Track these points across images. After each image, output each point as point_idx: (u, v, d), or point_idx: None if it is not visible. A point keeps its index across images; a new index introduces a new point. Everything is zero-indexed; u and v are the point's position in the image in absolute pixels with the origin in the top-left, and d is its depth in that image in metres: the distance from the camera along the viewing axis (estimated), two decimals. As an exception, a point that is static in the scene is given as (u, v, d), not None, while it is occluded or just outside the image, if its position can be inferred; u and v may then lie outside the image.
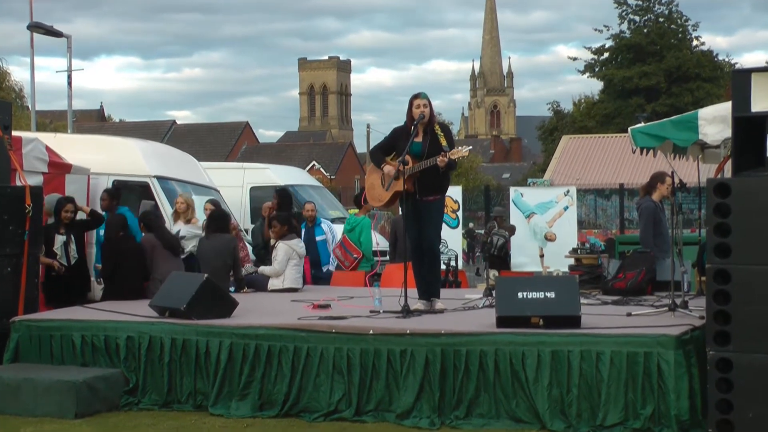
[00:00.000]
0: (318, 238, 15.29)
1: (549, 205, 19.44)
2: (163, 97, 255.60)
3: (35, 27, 24.83)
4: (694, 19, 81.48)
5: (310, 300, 10.79)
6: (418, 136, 9.72)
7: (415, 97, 9.73)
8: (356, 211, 15.72)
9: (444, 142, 9.57)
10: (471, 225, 40.30)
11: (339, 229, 16.90)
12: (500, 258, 16.81)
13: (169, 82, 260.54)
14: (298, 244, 12.72)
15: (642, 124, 11.21)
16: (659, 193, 11.96)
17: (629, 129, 11.05)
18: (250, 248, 14.27)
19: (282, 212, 13.75)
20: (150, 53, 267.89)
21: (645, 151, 11.26)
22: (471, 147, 9.75)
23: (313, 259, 14.79)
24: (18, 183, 10.92)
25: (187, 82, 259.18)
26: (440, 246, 10.24)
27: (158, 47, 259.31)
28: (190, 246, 12.77)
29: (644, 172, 40.12)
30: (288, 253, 12.54)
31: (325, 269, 15.22)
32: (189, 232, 13.02)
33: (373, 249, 15.71)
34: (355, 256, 14.96)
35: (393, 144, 9.88)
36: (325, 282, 14.79)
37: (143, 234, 12.02)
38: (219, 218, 12.48)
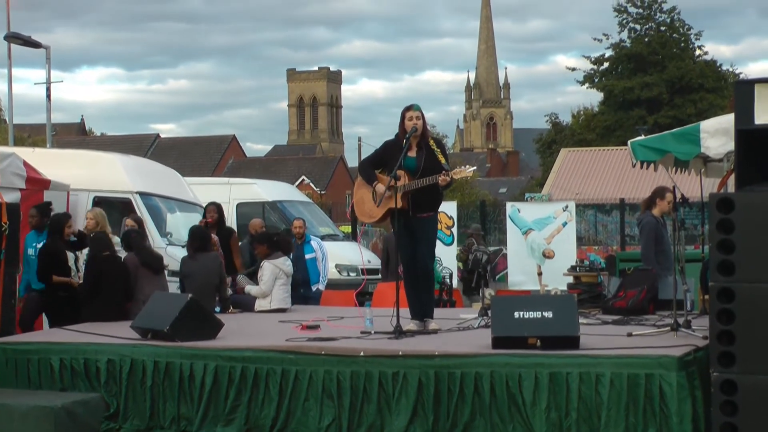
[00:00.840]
0: (307, 256, 15.29)
1: (547, 220, 19.49)
2: (147, 110, 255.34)
3: (13, 37, 24.87)
4: (696, 27, 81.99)
5: (298, 320, 10.77)
6: (412, 150, 9.73)
7: (408, 109, 9.75)
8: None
9: (442, 159, 9.58)
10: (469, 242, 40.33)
11: (329, 247, 16.90)
12: (482, 275, 16.86)
13: (153, 94, 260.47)
14: (285, 263, 12.72)
15: (642, 137, 11.25)
16: (660, 208, 11.97)
17: (629, 142, 11.09)
18: None
19: (264, 231, 13.77)
20: (133, 64, 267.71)
21: (645, 164, 11.28)
22: (475, 167, 9.77)
23: (302, 277, 14.79)
24: (-6, 200, 10.91)
25: (171, 94, 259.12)
26: (434, 264, 10.23)
27: (142, 58, 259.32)
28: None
29: (646, 186, 40.16)
30: (274, 272, 12.54)
31: (314, 288, 15.22)
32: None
33: (364, 267, 15.76)
34: None
35: (384, 158, 9.89)
36: (314, 302, 14.79)
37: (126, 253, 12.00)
38: (202, 236, 12.48)
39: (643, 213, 12.15)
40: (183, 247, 13.29)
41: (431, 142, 9.72)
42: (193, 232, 12.59)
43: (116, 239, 12.55)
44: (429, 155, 9.63)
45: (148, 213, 15.16)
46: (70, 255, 12.03)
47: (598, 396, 7.76)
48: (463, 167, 9.51)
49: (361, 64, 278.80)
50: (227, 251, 13.01)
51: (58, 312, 11.62)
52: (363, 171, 10.07)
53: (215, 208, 13.38)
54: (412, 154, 9.71)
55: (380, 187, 9.71)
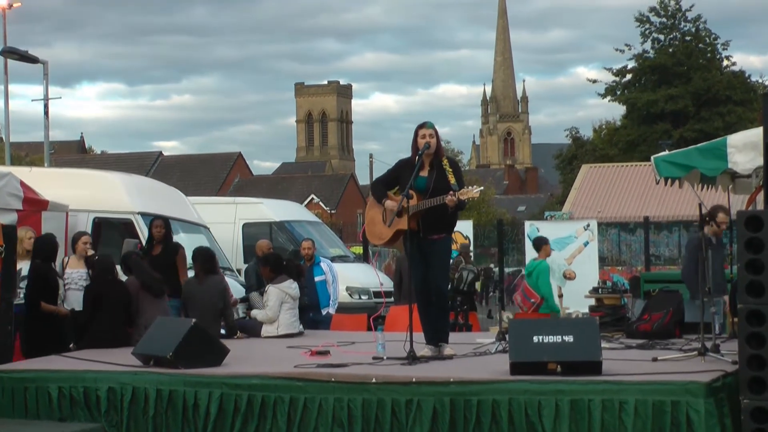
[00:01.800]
0: (317, 279, 15.30)
1: (568, 240, 19.50)
2: (149, 127, 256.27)
3: (9, 52, 25.03)
4: (723, 36, 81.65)
5: (307, 346, 10.78)
6: (424, 170, 9.76)
7: (420, 127, 9.81)
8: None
9: (452, 179, 9.60)
10: (492, 266, 40.30)
11: (340, 268, 16.90)
12: (468, 294, 16.87)
13: (156, 110, 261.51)
14: (291, 286, 12.73)
15: (666, 152, 11.24)
16: (712, 228, 11.88)
17: (652, 158, 11.08)
18: (240, 291, 14.26)
19: (271, 252, 13.77)
20: (135, 79, 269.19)
21: (670, 181, 11.27)
22: (482, 188, 9.82)
23: (311, 301, 14.80)
24: (-10, 222, 10.94)
25: (175, 109, 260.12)
26: (449, 286, 10.25)
27: (144, 72, 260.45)
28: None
29: (672, 203, 40.19)
30: (280, 297, 12.55)
31: (324, 312, 15.23)
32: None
33: (377, 289, 15.76)
34: (532, 300, 14.96)
35: (396, 177, 9.92)
36: (324, 326, 14.79)
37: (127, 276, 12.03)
38: (208, 258, 12.50)
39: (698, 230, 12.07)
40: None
41: (444, 161, 9.75)
42: (199, 253, 12.60)
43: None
44: (440, 175, 9.66)
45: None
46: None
47: (621, 424, 7.74)
48: (470, 187, 9.52)
49: (372, 78, 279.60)
50: (173, 269, 12.95)
51: (35, 339, 11.60)
52: (374, 191, 10.11)
53: (162, 223, 13.31)
54: (424, 173, 9.75)
55: (390, 203, 9.73)
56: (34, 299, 11.70)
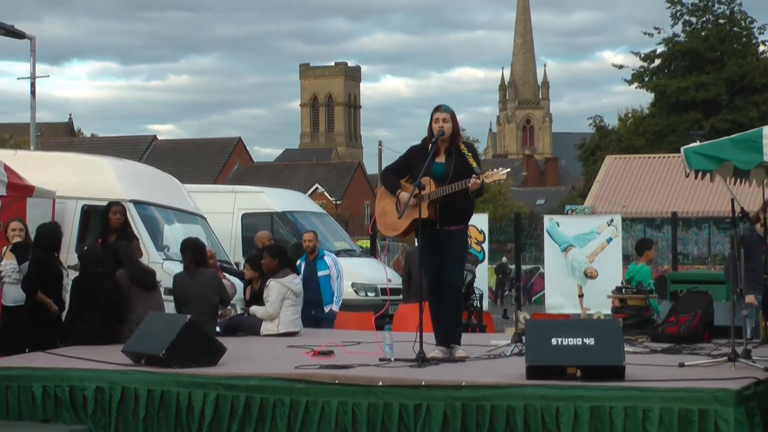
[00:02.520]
0: (320, 273, 15.32)
1: (590, 236, 19.46)
2: (144, 109, 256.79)
3: (-6, 27, 25.04)
4: (760, 20, 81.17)
5: (309, 345, 10.79)
6: (440, 156, 9.74)
7: (436, 110, 9.80)
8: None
9: (473, 163, 9.60)
10: (504, 260, 40.35)
11: (345, 263, 16.91)
12: (466, 296, 16.82)
13: (151, 91, 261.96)
14: (293, 281, 12.73)
15: (697, 144, 11.21)
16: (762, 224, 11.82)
17: (682, 149, 11.05)
18: (239, 286, 14.26)
19: (272, 244, 13.77)
20: (129, 58, 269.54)
21: (701, 174, 11.25)
22: (509, 170, 9.78)
23: (313, 297, 14.82)
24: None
25: (171, 91, 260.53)
26: (463, 283, 10.24)
27: (139, 51, 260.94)
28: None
29: (700, 198, 40.16)
30: (282, 292, 12.56)
31: (327, 309, 15.25)
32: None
33: (385, 286, 15.76)
34: None
35: (408, 164, 9.91)
36: (327, 324, 14.81)
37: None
38: (199, 248, 12.49)
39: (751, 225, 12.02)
40: (182, 262, 13.33)
41: (462, 146, 9.74)
42: (189, 244, 12.57)
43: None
44: (459, 160, 9.65)
45: (143, 224, 15.20)
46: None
47: (645, 434, 7.74)
48: (495, 170, 9.51)
49: (383, 60, 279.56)
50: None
51: (35, 333, 11.68)
52: (385, 179, 10.10)
53: (121, 209, 13.20)
54: (440, 159, 9.73)
55: (404, 195, 9.73)
56: (32, 291, 11.74)
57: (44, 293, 11.74)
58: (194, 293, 12.07)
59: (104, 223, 13.32)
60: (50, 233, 12.17)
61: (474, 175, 9.44)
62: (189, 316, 9.80)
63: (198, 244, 12.69)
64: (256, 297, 13.30)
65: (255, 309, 12.78)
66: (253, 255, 14.29)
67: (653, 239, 16.01)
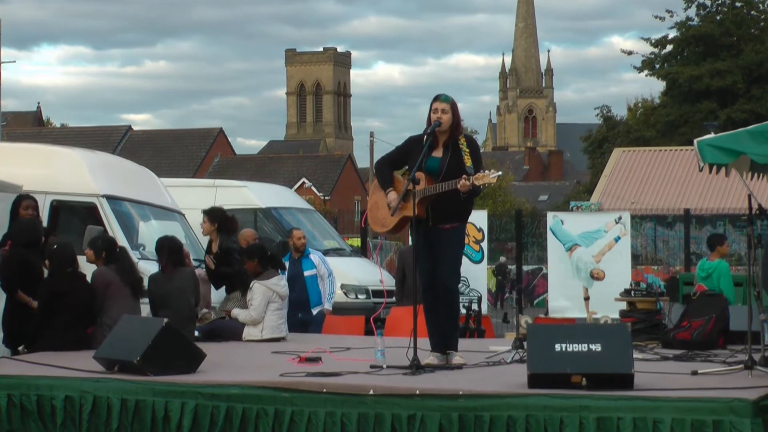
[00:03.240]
0: (306, 273, 15.32)
1: (596, 234, 19.45)
2: (118, 97, 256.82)
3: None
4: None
5: (295, 351, 10.79)
6: (437, 149, 9.75)
7: (434, 99, 9.81)
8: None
9: (468, 162, 9.59)
10: (503, 259, 40.36)
11: (334, 263, 16.90)
12: (466, 317, 16.80)
13: (126, 77, 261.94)
14: (279, 283, 12.73)
15: (712, 135, 11.20)
16: None
17: (696, 141, 11.05)
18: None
19: (255, 243, 13.78)
20: (103, 42, 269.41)
21: (715, 168, 11.25)
22: (500, 173, 9.77)
23: (300, 298, 14.82)
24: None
25: (147, 78, 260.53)
26: (459, 285, 10.24)
27: (114, 35, 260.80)
28: None
29: (715, 194, 40.22)
30: (266, 295, 12.55)
31: (315, 311, 15.24)
32: None
33: (377, 288, 15.75)
34: None
35: (405, 156, 9.93)
36: (315, 328, 14.81)
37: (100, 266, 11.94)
38: (176, 248, 12.49)
39: None
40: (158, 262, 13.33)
41: (462, 140, 9.73)
42: (165, 243, 12.57)
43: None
44: (455, 156, 9.65)
45: (117, 221, 15.19)
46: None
47: (655, 447, 7.74)
48: (486, 171, 9.49)
49: (376, 45, 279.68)
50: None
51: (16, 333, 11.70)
52: (379, 172, 10.10)
53: (33, 203, 13.13)
54: (438, 153, 9.73)
55: (392, 195, 9.74)
56: (12, 289, 11.73)
57: (25, 292, 11.73)
58: (172, 295, 12.05)
59: (11, 218, 13.01)
60: (29, 228, 12.16)
61: (464, 176, 9.42)
62: (166, 320, 9.78)
63: (175, 242, 12.68)
64: (219, 260, 13.48)
65: (237, 312, 12.77)
66: (213, 207, 14.41)
67: (724, 234, 16.02)
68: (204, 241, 18.07)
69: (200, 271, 13.77)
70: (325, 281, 15.43)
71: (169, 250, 12.40)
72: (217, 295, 14.36)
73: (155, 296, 12.20)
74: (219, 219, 14.23)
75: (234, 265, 13.64)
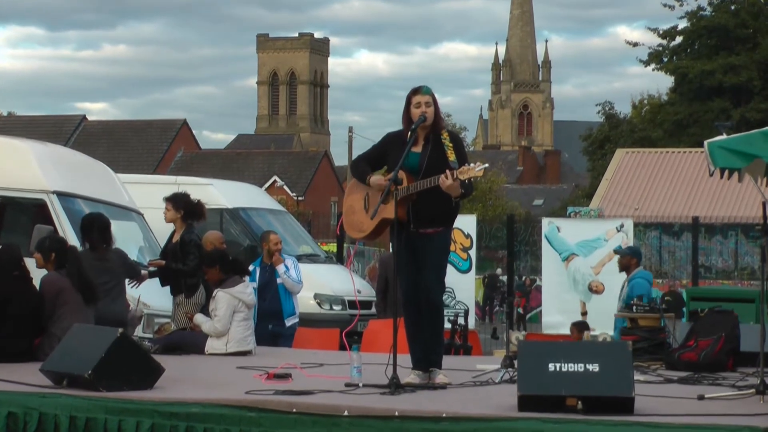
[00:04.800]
0: (279, 281, 15.28)
1: (596, 243, 19.53)
2: (72, 84, 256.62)
3: None
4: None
5: (263, 367, 10.78)
6: (417, 145, 9.75)
7: (414, 92, 9.79)
8: None
9: (452, 156, 9.59)
10: (498, 270, 40.39)
11: (307, 270, 16.88)
12: (452, 333, 16.82)
13: (82, 62, 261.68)
14: (245, 290, 12.73)
15: (724, 137, 11.25)
16: None
17: (706, 143, 11.10)
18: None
19: (216, 249, 13.75)
20: (57, 22, 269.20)
21: (727, 173, 11.29)
22: (488, 165, 9.76)
23: (271, 309, 14.81)
24: None
25: (106, 63, 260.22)
26: (444, 296, 10.24)
27: (69, 14, 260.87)
28: None
29: (726, 200, 40.33)
30: (231, 304, 12.55)
31: (289, 323, 15.21)
32: None
33: (353, 298, 15.74)
34: None
35: (383, 154, 9.93)
36: (285, 341, 14.80)
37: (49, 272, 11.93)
38: (106, 226, 12.74)
39: None
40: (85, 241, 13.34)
41: (444, 134, 9.74)
42: (95, 221, 12.77)
43: None
44: (436, 151, 9.65)
45: (68, 220, 15.15)
46: None
47: (657, 477, 7.76)
48: (471, 164, 9.45)
49: (358, 31, 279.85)
50: None
51: None
52: (355, 170, 10.10)
53: None
54: (417, 149, 9.73)
55: (377, 180, 9.68)
56: None
57: None
58: (105, 275, 12.15)
59: None
60: None
61: (448, 170, 9.40)
62: (120, 331, 9.76)
63: (103, 219, 12.89)
64: (173, 255, 13.48)
65: (201, 319, 12.75)
66: (177, 193, 14.35)
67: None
68: (162, 239, 18.05)
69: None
70: (293, 270, 15.29)
71: (99, 226, 12.50)
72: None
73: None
74: (184, 205, 14.06)
75: (189, 261, 13.53)
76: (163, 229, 19.02)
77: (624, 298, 15.31)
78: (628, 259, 15.72)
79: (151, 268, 14.18)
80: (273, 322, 14.84)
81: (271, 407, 8.67)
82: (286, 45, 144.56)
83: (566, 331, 18.31)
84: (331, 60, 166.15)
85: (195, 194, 21.19)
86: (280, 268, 14.89)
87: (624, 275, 15.56)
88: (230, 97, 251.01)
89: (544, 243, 19.89)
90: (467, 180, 9.40)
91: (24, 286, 11.63)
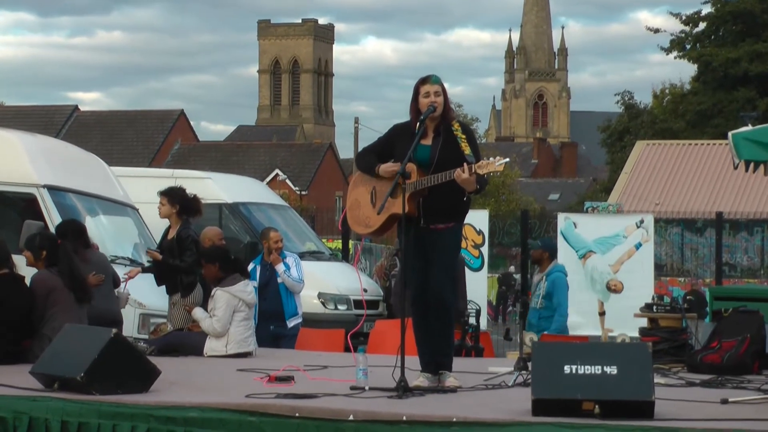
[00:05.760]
0: (281, 280, 15.29)
1: (614, 240, 19.52)
2: (65, 72, 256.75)
3: None
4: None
5: (264, 369, 10.80)
6: (427, 138, 9.76)
7: (423, 82, 9.80)
8: None
9: (467, 149, 9.59)
10: (512, 268, 40.36)
11: (310, 269, 16.89)
12: (462, 333, 16.83)
13: (75, 50, 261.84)
14: (245, 289, 12.74)
15: (749, 128, 11.26)
16: None
17: (730, 135, 11.11)
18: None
19: (215, 245, 13.77)
20: (49, 8, 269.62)
21: (752, 166, 11.30)
22: (508, 159, 9.77)
23: (272, 309, 14.83)
24: None
25: (100, 51, 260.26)
26: (455, 296, 10.25)
27: (62, 0, 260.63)
28: None
29: (752, 195, 40.28)
30: (231, 303, 12.56)
31: (291, 324, 15.22)
32: None
33: (357, 297, 15.73)
34: None
35: (390, 146, 9.95)
36: (288, 342, 14.81)
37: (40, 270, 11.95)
38: (80, 229, 12.93)
39: None
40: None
41: (455, 125, 9.75)
42: (70, 227, 12.86)
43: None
44: (448, 143, 9.66)
45: (60, 215, 15.17)
46: None
47: (678, 485, 7.77)
48: (491, 159, 9.47)
49: (364, 17, 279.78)
50: None
51: None
52: (361, 162, 10.10)
53: None
54: (427, 141, 9.74)
55: (387, 168, 9.68)
56: None
57: None
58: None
59: None
60: None
61: (466, 164, 9.41)
62: (114, 331, 9.78)
63: (76, 223, 13.06)
64: (170, 250, 13.49)
65: (200, 314, 12.74)
66: (172, 187, 14.34)
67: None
68: (158, 233, 18.10)
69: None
70: (294, 269, 15.30)
71: (74, 232, 12.56)
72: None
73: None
74: (180, 199, 14.06)
75: (186, 257, 13.54)
76: (159, 224, 19.10)
77: (544, 295, 15.43)
78: (540, 253, 15.88)
79: (147, 263, 14.19)
80: (274, 323, 14.85)
81: (272, 411, 8.69)
82: (289, 31, 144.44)
83: (583, 332, 18.32)
84: (336, 47, 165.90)
85: (193, 188, 21.25)
86: (279, 267, 14.91)
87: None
88: (230, 86, 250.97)
89: (560, 240, 19.87)
90: (485, 175, 9.42)
91: (12, 285, 11.62)
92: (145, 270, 14.15)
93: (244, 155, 79.35)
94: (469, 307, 17.21)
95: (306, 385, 9.89)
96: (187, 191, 14.37)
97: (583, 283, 19.32)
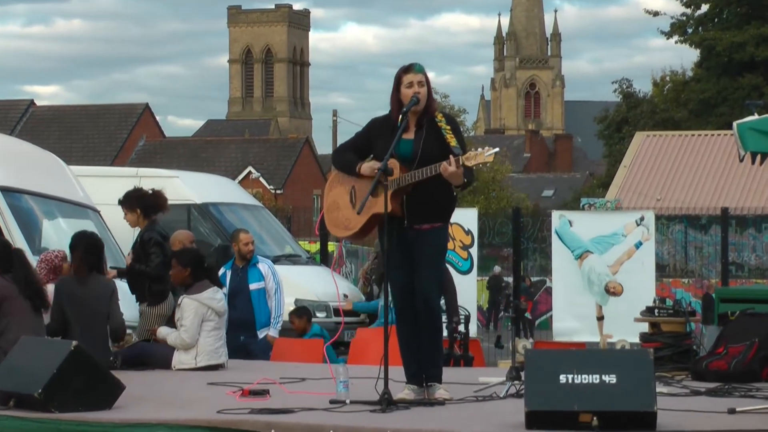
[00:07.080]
0: (252, 286, 15.32)
1: (613, 239, 19.53)
2: (20, 64, 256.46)
3: None
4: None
5: (237, 383, 10.81)
6: (409, 131, 9.75)
7: (405, 71, 9.79)
8: None
9: (453, 141, 9.59)
10: (498, 270, 40.41)
11: (286, 273, 16.89)
12: (450, 342, 16.82)
13: (31, 39, 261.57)
14: (214, 296, 12.73)
15: (755, 117, 11.28)
16: None
17: (735, 124, 11.13)
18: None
19: (187, 248, 13.74)
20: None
21: (759, 158, 11.32)
22: (498, 149, 9.77)
23: (243, 318, 14.83)
24: None
25: (58, 40, 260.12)
26: (442, 301, 10.25)
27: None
28: None
29: (760, 189, 40.39)
30: (200, 312, 12.55)
31: (262, 334, 15.23)
32: None
33: (336, 304, 15.70)
34: None
35: (369, 142, 9.94)
36: (262, 354, 14.80)
37: None
38: (94, 248, 12.48)
39: None
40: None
41: (439, 117, 9.74)
42: (82, 240, 12.60)
43: None
44: (432, 136, 9.65)
45: (14, 218, 15.15)
46: None
47: (683, 502, 7.80)
48: (478, 150, 9.46)
49: (344, 2, 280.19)
50: None
51: None
52: (338, 160, 10.09)
53: None
54: (409, 135, 9.73)
55: (368, 166, 9.67)
56: None
57: None
58: (84, 304, 12.06)
59: None
60: None
61: (452, 156, 9.39)
62: (75, 343, 9.76)
63: (94, 240, 12.72)
64: (140, 258, 13.43)
65: (165, 332, 12.74)
66: (127, 192, 14.32)
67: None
68: (122, 239, 18.10)
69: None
70: (272, 299, 15.39)
71: (86, 248, 12.40)
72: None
73: (63, 304, 12.12)
74: (137, 202, 13.98)
75: (151, 261, 13.48)
76: (123, 228, 19.07)
77: None
78: None
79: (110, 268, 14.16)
80: (244, 333, 14.85)
81: (246, 428, 8.70)
82: (261, 18, 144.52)
83: (580, 338, 18.34)
84: (312, 34, 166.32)
85: (159, 187, 21.35)
86: None
87: None
88: (198, 77, 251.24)
89: (555, 239, 19.87)
90: (473, 167, 9.41)
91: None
92: (119, 275, 14.10)
93: (214, 151, 79.28)
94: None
95: (282, 399, 9.89)
96: (145, 188, 14.28)
97: (579, 285, 19.32)
